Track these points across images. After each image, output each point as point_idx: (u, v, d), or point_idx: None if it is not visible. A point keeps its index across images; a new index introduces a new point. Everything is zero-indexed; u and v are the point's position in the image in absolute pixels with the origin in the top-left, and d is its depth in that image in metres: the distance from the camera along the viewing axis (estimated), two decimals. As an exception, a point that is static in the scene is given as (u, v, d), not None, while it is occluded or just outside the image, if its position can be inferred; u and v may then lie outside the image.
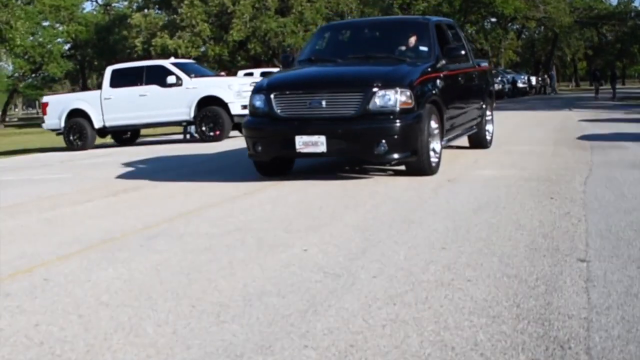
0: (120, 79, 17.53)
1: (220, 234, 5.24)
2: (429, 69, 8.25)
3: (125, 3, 49.01)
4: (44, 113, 18.44)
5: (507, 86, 42.14)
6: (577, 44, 77.59)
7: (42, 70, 41.01)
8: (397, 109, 7.42)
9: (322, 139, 7.44)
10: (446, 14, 47.22)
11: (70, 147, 17.62)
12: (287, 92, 7.78)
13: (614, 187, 6.71)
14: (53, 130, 18.38)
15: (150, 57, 34.75)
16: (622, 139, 11.87)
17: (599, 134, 12.92)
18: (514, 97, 41.66)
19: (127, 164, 11.63)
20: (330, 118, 7.51)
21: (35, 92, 50.23)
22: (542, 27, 64.30)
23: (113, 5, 49.96)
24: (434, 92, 8.05)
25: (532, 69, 73.48)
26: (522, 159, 9.40)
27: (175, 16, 35.56)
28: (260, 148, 7.88)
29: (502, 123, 17.25)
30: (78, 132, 17.68)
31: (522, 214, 5.55)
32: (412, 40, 8.87)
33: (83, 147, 17.47)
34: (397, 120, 7.40)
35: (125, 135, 19.13)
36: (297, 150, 7.56)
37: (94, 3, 51.48)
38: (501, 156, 9.81)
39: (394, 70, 7.85)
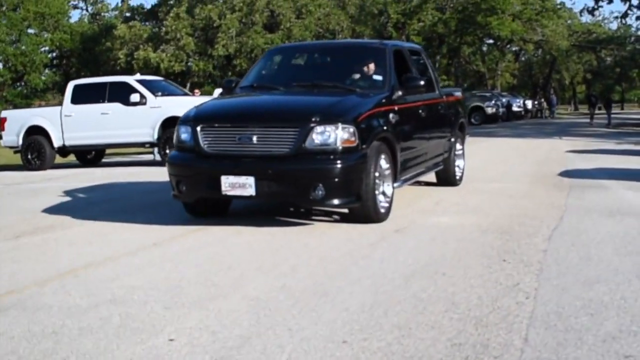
0: (83, 95, 16.56)
1: (85, 309, 4.27)
2: (382, 101, 7.32)
3: (116, 13, 48.37)
4: (2, 129, 17.42)
5: (501, 110, 41.26)
6: (575, 67, 76.82)
7: (23, 79, 40.09)
8: (338, 147, 6.48)
9: (250, 180, 6.49)
10: (441, 34, 46.62)
11: (27, 166, 16.62)
12: (215, 125, 6.83)
13: (581, 246, 5.77)
14: (11, 147, 17.37)
15: (132, 71, 33.92)
16: (605, 175, 10.94)
17: (582, 170, 12.00)
18: (508, 121, 40.81)
19: (67, 192, 10.71)
20: (261, 156, 6.56)
21: (24, 101, 49.20)
22: (540, 50, 63.46)
23: (102, 14, 49.18)
24: (384, 127, 7.11)
25: (530, 92, 72.71)
26: (490, 200, 8.46)
27: (159, 29, 34.66)
28: (184, 188, 6.93)
29: (483, 153, 16.42)
30: (36, 150, 16.69)
31: (461, 285, 4.60)
32: (371, 67, 7.95)
33: (41, 167, 16.48)
34: (338, 161, 6.45)
35: (90, 155, 18.17)
36: (223, 192, 6.61)
37: (83, 12, 50.61)
38: (468, 196, 8.86)
39: (337, 103, 6.91)
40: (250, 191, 6.51)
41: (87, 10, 50.73)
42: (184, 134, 6.98)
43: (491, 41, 55.57)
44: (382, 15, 45.03)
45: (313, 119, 6.49)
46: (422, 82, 7.71)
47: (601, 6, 41.26)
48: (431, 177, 9.81)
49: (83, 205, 9.24)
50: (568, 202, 8.23)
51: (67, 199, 10.08)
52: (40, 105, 34.74)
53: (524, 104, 47.91)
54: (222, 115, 7.02)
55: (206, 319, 3.99)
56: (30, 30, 41.14)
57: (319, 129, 6.46)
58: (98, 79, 18.04)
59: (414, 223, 7.01)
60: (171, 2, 37.47)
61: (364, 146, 6.63)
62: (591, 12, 42.34)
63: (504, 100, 43.31)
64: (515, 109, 44.66)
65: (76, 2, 48.92)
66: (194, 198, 7.01)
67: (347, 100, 7.04)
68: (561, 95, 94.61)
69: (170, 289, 4.65)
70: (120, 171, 15.08)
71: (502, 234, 6.31)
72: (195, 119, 6.96)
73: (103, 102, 16.29)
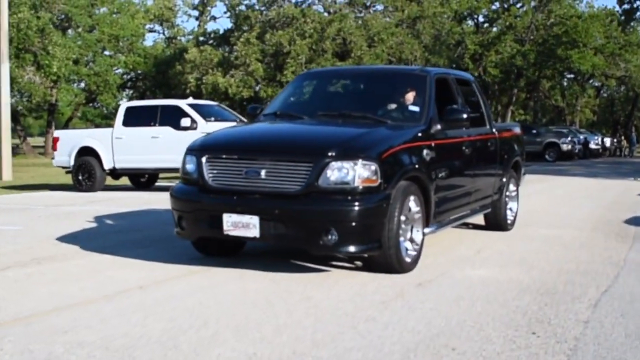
0: (134, 118, 16.21)
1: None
2: (417, 135, 6.51)
3: (191, 37, 48.73)
4: (54, 148, 17.23)
5: (577, 147, 39.52)
6: (660, 105, 73.74)
7: (96, 100, 40.67)
8: (357, 186, 5.69)
9: (254, 220, 5.75)
10: (520, 67, 45.20)
11: (78, 187, 16.31)
12: (222, 156, 6.12)
13: (632, 317, 4.81)
14: (63, 167, 17.15)
15: (201, 95, 33.84)
16: (680, 227, 9.79)
17: (654, 218, 10.83)
18: (584, 159, 39.07)
19: (98, 218, 10.28)
20: (269, 194, 5.81)
21: (104, 121, 49.87)
22: (623, 86, 61.11)
23: (178, 38, 49.62)
24: (416, 165, 6.28)
25: (610, 129, 70.06)
26: (540, 250, 7.50)
27: (230, 54, 34.51)
28: (185, 224, 6.24)
29: (548, 192, 15.30)
30: (87, 172, 16.39)
31: (472, 368, 3.73)
32: (409, 96, 7.14)
33: (91, 189, 16.15)
34: (355, 202, 5.65)
35: (143, 178, 17.82)
36: (225, 232, 5.89)
37: (160, 35, 51.24)
38: (516, 244, 7.92)
39: (359, 136, 6.12)
40: (254, 232, 5.77)
41: (163, 34, 51.41)
42: (188, 164, 6.31)
43: (571, 75, 53.69)
44: (460, 46, 44.04)
45: (329, 154, 5.72)
46: (464, 115, 6.84)
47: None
48: (480, 219, 8.91)
49: (101, 234, 8.70)
50: (629, 257, 7.21)
51: (92, 225, 9.59)
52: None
53: (602, 141, 45.94)
54: (229, 145, 6.30)
55: (140, 397, 3.24)
56: (106, 52, 41.80)
57: (335, 164, 5.68)
58: (150, 102, 17.74)
59: (444, 275, 6.13)
60: (244, 27, 37.41)
61: (388, 186, 5.82)
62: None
63: (581, 137, 41.53)
64: (592, 146, 42.79)
65: (152, 26, 49.66)
66: (195, 236, 6.31)
67: (373, 133, 6.24)
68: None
69: (119, 350, 3.93)
70: (165, 196, 14.58)
71: (541, 296, 5.39)
72: (200, 148, 6.29)
73: (154, 125, 15.91)
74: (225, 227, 5.86)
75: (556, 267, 6.61)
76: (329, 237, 5.62)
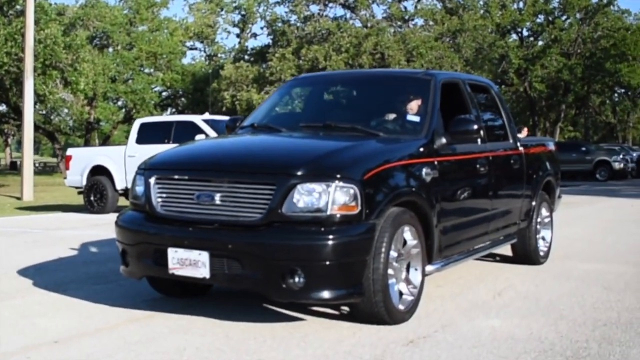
0: (148, 135, 15.19)
1: None
2: (416, 150, 5.30)
3: (232, 54, 48.12)
4: (67, 167, 16.35)
5: (630, 165, 37.48)
6: None
7: (134, 118, 40.22)
8: (331, 215, 4.48)
9: (204, 256, 4.58)
10: (567, 82, 43.42)
11: (89, 208, 15.36)
12: (173, 177, 4.98)
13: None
14: (75, 187, 16.23)
15: (236, 112, 32.94)
16: None
17: None
18: (638, 178, 37.03)
19: (85, 245, 9.38)
20: (224, 223, 4.64)
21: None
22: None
23: (219, 55, 49.02)
24: (412, 187, 5.06)
25: (666, 146, 67.42)
26: (575, 293, 6.18)
27: (265, 70, 33.57)
28: (129, 260, 5.09)
29: (594, 217, 13.81)
30: (99, 192, 15.43)
31: None
32: (414, 105, 5.91)
33: (103, 210, 15.17)
34: (329, 236, 4.44)
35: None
36: (170, 271, 4.73)
37: (201, 52, 50.74)
38: (547, 283, 6.59)
39: (338, 151, 4.91)
40: (203, 272, 4.60)
41: (204, 51, 50.89)
42: (137, 186, 5.19)
43: (622, 90, 51.55)
44: (503, 61, 42.49)
45: (296, 173, 4.53)
46: (475, 127, 5.56)
47: None
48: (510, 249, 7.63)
49: (71, 266, 7.66)
50: (685, 302, 5.85)
51: (72, 253, 8.58)
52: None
53: (657, 159, 43.67)
54: (180, 163, 5.13)
55: None
56: (147, 70, 41.35)
57: (304, 187, 4.49)
58: (165, 118, 16.80)
59: (446, 328, 4.86)
60: (281, 43, 36.56)
61: (372, 214, 4.60)
62: None
63: (634, 154, 39.48)
64: (646, 164, 40.63)
65: (192, 43, 49.17)
66: (140, 275, 5.13)
67: (357, 147, 5.02)
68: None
69: None
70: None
71: (566, 361, 4.10)
72: (150, 167, 5.16)
73: (168, 142, 14.83)
74: (170, 264, 4.71)
75: (592, 316, 5.29)
76: (295, 279, 4.43)
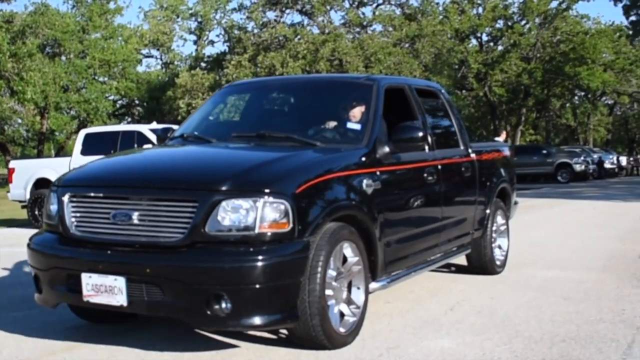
0: (94, 145, 14.65)
1: None
2: (356, 160, 4.90)
3: (189, 62, 47.43)
4: (10, 180, 15.68)
5: (591, 167, 37.66)
6: (676, 121, 71.78)
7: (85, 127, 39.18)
8: (260, 233, 4.06)
9: (120, 282, 4.13)
10: (527, 85, 43.50)
11: (34, 223, 14.70)
12: (88, 194, 4.52)
13: None
14: (19, 201, 15.55)
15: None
16: None
17: (677, 250, 9.13)
18: (599, 179, 37.21)
19: (14, 265, 8.74)
20: (142, 244, 4.20)
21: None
22: (636, 103, 59.22)
23: (175, 63, 48.23)
24: (352, 200, 4.66)
25: (626, 147, 68.06)
26: (533, 304, 5.84)
27: (221, 77, 32.97)
28: (42, 286, 4.62)
29: (556, 220, 13.56)
30: (44, 206, 14.78)
31: None
32: (357, 112, 5.51)
33: (48, 225, 14.54)
34: (258, 257, 4.02)
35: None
36: (84, 298, 4.27)
37: (158, 60, 49.91)
38: (503, 295, 6.25)
39: (268, 163, 4.49)
40: (120, 299, 4.15)
41: (160, 59, 50.10)
42: (51, 205, 4.73)
43: (582, 93, 51.88)
44: (463, 66, 42.45)
45: (220, 188, 4.11)
46: (420, 134, 5.17)
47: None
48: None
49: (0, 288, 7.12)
50: (649, 313, 5.55)
51: (3, 274, 8.08)
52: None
53: (617, 160, 44.02)
54: (95, 179, 4.66)
55: None
56: (101, 79, 40.45)
57: (229, 203, 4.06)
58: (110, 128, 16.30)
59: (392, 351, 4.47)
60: (237, 50, 36.05)
61: (306, 231, 4.19)
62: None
63: (595, 156, 39.71)
64: (607, 165, 40.90)
65: (148, 51, 48.36)
66: (54, 303, 4.65)
67: (290, 158, 4.60)
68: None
69: None
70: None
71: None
72: (64, 183, 4.70)
73: (115, 152, 14.34)
74: (84, 291, 4.26)
75: (550, 331, 4.95)
76: (221, 305, 4.00)
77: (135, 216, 4.21)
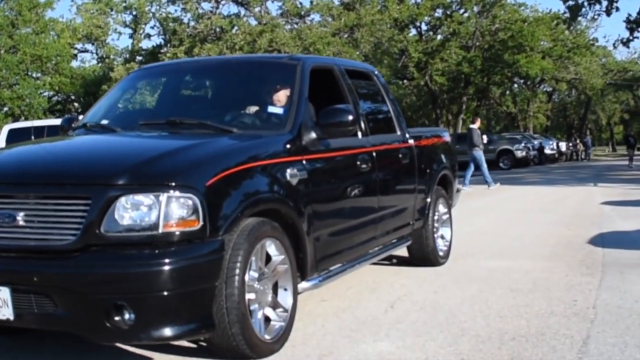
0: (18, 141, 13.89)
1: None
2: (279, 148, 4.38)
3: (126, 55, 46.27)
4: None
5: (532, 153, 37.99)
6: (612, 107, 73.14)
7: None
8: (165, 233, 3.52)
9: (5, 293, 3.55)
10: (467, 74, 43.55)
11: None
12: (-32, 193, 3.91)
13: None
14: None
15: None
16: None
17: (622, 233, 8.88)
18: (540, 165, 37.49)
19: None
20: (30, 249, 3.61)
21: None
22: (574, 90, 60.02)
23: (111, 57, 46.90)
24: (275, 192, 4.15)
25: (565, 133, 69.06)
26: (477, 298, 5.43)
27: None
28: None
29: (500, 207, 13.28)
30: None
31: None
32: (281, 96, 4.99)
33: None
34: (164, 259, 3.47)
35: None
36: (-36, 313, 3.67)
37: (93, 55, 48.45)
38: (447, 289, 5.83)
39: (174, 152, 3.94)
40: (6, 312, 3.57)
41: (96, 53, 48.71)
42: None
43: (521, 81, 52.27)
44: (403, 55, 42.26)
45: (117, 182, 3.55)
46: (349, 118, 4.68)
47: (637, 37, 37.49)
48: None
49: None
50: (600, 301, 5.21)
51: None
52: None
53: (557, 146, 44.57)
54: (-26, 175, 4.06)
55: None
56: (35, 74, 39.12)
57: (128, 199, 3.51)
58: (34, 123, 15.55)
59: (324, 358, 3.98)
60: (173, 42, 35.21)
61: (220, 229, 3.66)
62: (625, 43, 38.73)
63: (535, 142, 40.05)
64: (548, 151, 41.37)
65: (82, 46, 46.96)
66: None
67: (200, 147, 4.05)
68: (598, 137, 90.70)
69: None
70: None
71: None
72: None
73: (41, 148, 13.58)
74: (-35, 305, 3.65)
75: (498, 328, 4.53)
76: (122, 317, 3.45)
77: (20, 217, 3.62)
